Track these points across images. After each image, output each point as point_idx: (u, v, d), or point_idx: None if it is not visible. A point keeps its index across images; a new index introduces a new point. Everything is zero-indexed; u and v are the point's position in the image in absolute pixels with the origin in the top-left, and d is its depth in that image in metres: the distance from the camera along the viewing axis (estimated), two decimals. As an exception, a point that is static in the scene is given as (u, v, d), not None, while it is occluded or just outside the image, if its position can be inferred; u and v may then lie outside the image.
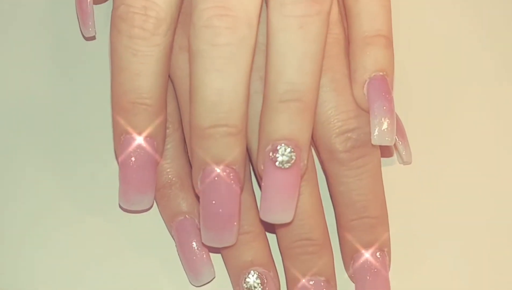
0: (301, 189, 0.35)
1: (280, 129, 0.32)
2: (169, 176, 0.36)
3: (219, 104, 0.32)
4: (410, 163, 0.38)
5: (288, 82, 0.32)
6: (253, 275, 0.35)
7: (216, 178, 0.33)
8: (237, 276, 0.35)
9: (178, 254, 0.36)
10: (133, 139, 0.34)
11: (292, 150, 0.32)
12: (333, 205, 0.36)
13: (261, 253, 0.35)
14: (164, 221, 0.37)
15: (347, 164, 0.35)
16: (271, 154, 0.32)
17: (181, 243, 0.36)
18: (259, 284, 0.35)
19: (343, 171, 0.35)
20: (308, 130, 0.33)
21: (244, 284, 0.35)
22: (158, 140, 0.35)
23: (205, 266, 0.36)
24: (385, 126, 0.34)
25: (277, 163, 0.32)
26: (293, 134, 0.32)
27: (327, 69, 0.35)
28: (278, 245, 0.36)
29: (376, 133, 0.34)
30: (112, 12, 0.33)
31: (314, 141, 0.35)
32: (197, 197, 0.34)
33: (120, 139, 0.34)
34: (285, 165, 0.32)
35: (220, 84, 0.32)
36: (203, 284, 0.36)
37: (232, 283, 0.36)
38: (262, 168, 0.33)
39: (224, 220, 0.33)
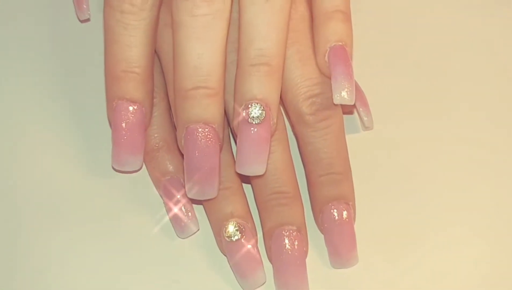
0: (274, 148, 0.37)
1: (251, 90, 0.35)
2: (157, 140, 0.39)
3: (199, 68, 0.35)
4: (371, 128, 0.41)
5: (257, 48, 0.35)
6: (232, 225, 0.37)
7: (198, 135, 0.35)
8: (218, 227, 0.38)
9: (166, 211, 0.39)
10: (124, 105, 0.37)
11: (262, 108, 0.35)
12: (303, 164, 0.39)
13: (240, 207, 0.38)
14: (153, 182, 0.39)
15: (313, 125, 0.37)
16: (244, 112, 0.35)
17: (168, 200, 0.38)
18: (238, 232, 0.37)
19: (310, 132, 0.37)
20: (275, 91, 0.36)
21: (225, 233, 0.37)
22: (146, 106, 0.37)
23: (190, 219, 0.38)
24: (344, 87, 0.36)
25: (249, 120, 0.35)
26: (263, 94, 0.35)
27: (293, 42, 0.38)
28: (255, 199, 0.38)
29: (337, 93, 0.36)
30: (105, -9, 0.37)
31: (284, 106, 0.38)
32: (183, 158, 0.37)
33: (112, 105, 0.37)
34: (255, 121, 0.35)
35: (200, 50, 0.35)
36: (188, 235, 0.38)
37: (214, 234, 0.38)
38: (237, 125, 0.36)
39: (205, 173, 0.36)
